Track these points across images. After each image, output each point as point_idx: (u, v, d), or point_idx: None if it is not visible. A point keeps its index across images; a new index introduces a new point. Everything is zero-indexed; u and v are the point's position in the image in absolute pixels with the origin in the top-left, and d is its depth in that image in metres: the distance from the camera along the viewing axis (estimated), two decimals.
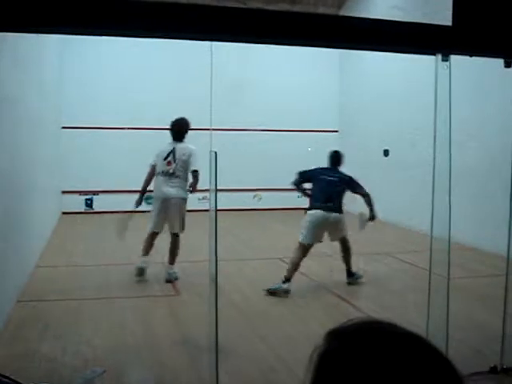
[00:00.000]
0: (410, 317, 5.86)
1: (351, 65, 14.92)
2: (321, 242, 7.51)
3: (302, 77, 15.26)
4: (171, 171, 7.76)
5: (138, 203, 8.18)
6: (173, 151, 7.83)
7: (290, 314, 6.33)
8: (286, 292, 6.94)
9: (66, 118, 13.81)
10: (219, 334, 4.10)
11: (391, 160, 12.94)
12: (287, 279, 7.02)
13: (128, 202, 14.03)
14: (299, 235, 7.37)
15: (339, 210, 7.46)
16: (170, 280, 7.65)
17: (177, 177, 7.76)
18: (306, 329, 5.60)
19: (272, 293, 6.92)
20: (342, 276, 7.71)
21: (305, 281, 7.77)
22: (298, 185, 7.67)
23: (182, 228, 7.90)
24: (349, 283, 7.60)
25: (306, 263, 8.17)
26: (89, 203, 14.51)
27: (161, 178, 7.84)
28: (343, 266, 7.63)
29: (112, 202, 14.12)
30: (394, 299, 6.84)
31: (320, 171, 7.69)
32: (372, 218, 7.62)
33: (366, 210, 7.64)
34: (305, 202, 7.76)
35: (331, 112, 15.75)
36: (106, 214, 13.74)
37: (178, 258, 7.97)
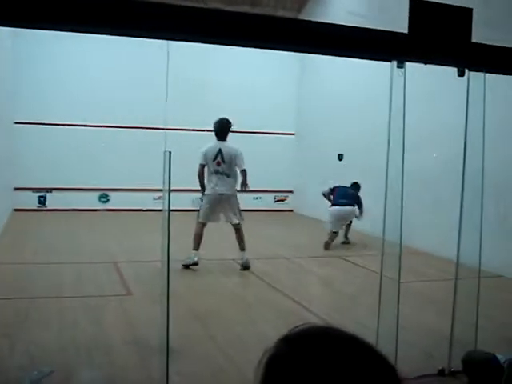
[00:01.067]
0: (361, 319, 5.94)
1: (310, 68, 15.03)
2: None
3: (261, 79, 15.32)
4: (221, 170, 8.33)
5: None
6: (220, 152, 8.35)
7: (242, 315, 6.33)
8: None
9: (20, 114, 13.57)
10: (170, 334, 4.08)
11: (345, 164, 13.07)
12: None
13: (82, 200, 14.02)
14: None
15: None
16: (246, 265, 8.26)
17: (227, 175, 8.37)
18: (256, 329, 5.61)
19: None
20: (295, 277, 7.75)
21: (257, 282, 7.80)
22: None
23: (241, 218, 8.52)
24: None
25: (254, 264, 8.22)
26: (42, 200, 14.28)
27: (213, 177, 8.38)
28: (292, 267, 7.67)
29: (66, 199, 13.97)
30: (346, 302, 6.91)
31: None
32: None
33: None
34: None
35: (289, 115, 15.83)
36: (59, 212, 13.56)
37: (130, 258, 7.91)
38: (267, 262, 8.75)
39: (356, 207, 10.69)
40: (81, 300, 6.66)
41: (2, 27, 5.57)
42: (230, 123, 8.57)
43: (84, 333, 5.47)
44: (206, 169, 8.46)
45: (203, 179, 8.50)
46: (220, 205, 8.45)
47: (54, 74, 13.91)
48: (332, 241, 10.28)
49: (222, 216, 8.54)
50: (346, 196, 10.64)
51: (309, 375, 0.96)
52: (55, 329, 5.54)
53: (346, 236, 10.93)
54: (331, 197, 10.88)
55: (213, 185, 8.39)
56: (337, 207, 10.50)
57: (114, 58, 14.14)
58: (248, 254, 8.39)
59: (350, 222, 10.79)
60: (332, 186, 10.95)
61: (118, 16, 3.42)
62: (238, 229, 8.44)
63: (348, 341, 1.03)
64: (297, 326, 1.06)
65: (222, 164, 8.33)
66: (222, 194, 8.39)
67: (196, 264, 8.20)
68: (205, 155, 8.42)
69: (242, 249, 8.42)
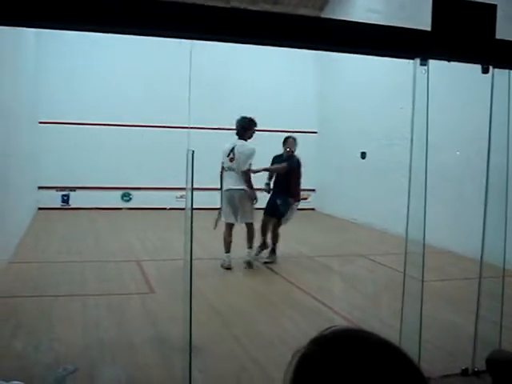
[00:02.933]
0: (384, 319, 5.91)
1: (331, 66, 14.96)
2: None
3: (282, 78, 15.30)
4: (232, 167, 8.28)
5: None
6: (233, 149, 8.33)
7: (264, 314, 6.33)
8: None
9: (44, 113, 13.69)
10: (193, 332, 4.09)
11: (368, 162, 13.02)
12: None
13: (105, 199, 14.11)
14: None
15: None
16: (249, 262, 8.27)
17: (237, 172, 8.24)
18: (278, 329, 5.62)
19: None
20: (317, 276, 7.74)
21: (279, 280, 7.80)
22: None
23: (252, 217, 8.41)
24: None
25: (279, 263, 8.22)
26: (65, 199, 14.40)
27: (225, 174, 8.37)
28: (317, 267, 7.66)
29: (89, 198, 14.09)
30: (369, 301, 6.88)
31: None
32: None
33: None
34: None
35: (311, 113, 15.78)
36: (82, 210, 13.67)
37: (154, 257, 7.94)
38: (290, 260, 8.74)
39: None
40: (104, 298, 6.70)
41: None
42: (248, 122, 8.49)
43: (107, 331, 5.51)
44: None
45: (221, 178, 8.47)
46: (232, 202, 8.32)
47: (77, 73, 14.01)
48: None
49: (234, 216, 8.37)
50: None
51: (338, 377, 0.97)
52: (79, 326, 5.59)
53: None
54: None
55: (225, 182, 8.38)
56: None
57: (137, 58, 14.19)
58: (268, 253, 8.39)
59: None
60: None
61: (141, 16, 3.44)
62: (248, 227, 8.40)
63: (379, 345, 1.04)
64: (327, 328, 1.07)
65: (233, 161, 8.28)
66: (231, 190, 8.29)
67: (229, 268, 8.19)
68: (223, 152, 8.42)
69: (249, 247, 8.37)
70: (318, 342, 1.04)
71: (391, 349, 1.04)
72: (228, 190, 8.29)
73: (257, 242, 8.61)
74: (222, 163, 8.42)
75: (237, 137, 8.47)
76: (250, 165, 8.27)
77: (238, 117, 8.61)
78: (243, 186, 8.23)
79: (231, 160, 8.28)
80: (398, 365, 1.01)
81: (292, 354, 1.04)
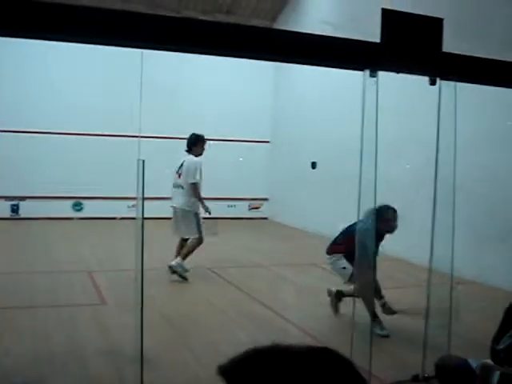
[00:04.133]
0: (335, 327, 5.97)
1: (285, 76, 15.09)
2: None
3: (236, 87, 15.34)
4: (178, 183, 8.32)
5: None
6: (182, 164, 8.33)
7: (216, 323, 6.32)
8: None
9: None
10: (145, 342, 4.07)
11: (319, 172, 13.14)
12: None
13: (56, 208, 13.88)
14: None
15: None
16: (172, 266, 8.06)
17: (182, 188, 8.25)
18: (231, 338, 5.61)
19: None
20: (270, 285, 7.76)
21: (232, 290, 7.80)
22: None
23: (195, 233, 8.23)
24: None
25: (230, 273, 8.23)
26: (15, 209, 14.12)
27: (172, 190, 8.39)
28: (270, 276, 7.69)
29: (39, 207, 13.84)
30: (321, 309, 6.93)
31: None
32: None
33: None
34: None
35: (264, 122, 15.86)
36: (32, 220, 13.42)
37: (104, 267, 7.86)
38: (242, 269, 8.75)
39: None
40: (54, 309, 6.60)
41: None
42: (194, 138, 8.47)
43: (58, 343, 5.42)
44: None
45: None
46: (175, 218, 8.38)
47: (27, 81, 13.79)
48: None
49: (177, 230, 8.44)
50: None
51: None
52: (28, 339, 5.49)
53: None
54: None
55: (172, 198, 8.41)
56: None
57: (88, 67, 14.06)
58: (224, 262, 8.38)
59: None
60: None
61: (92, 25, 3.42)
62: (186, 242, 8.34)
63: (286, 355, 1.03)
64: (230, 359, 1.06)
65: (181, 177, 8.30)
66: (175, 207, 8.36)
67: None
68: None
69: (183, 257, 8.18)
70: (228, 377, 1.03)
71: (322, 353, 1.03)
72: (173, 207, 8.36)
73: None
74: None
75: (187, 153, 8.43)
76: (199, 178, 8.20)
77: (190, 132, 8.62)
78: (188, 206, 8.21)
79: (179, 176, 8.31)
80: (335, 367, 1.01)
81: None
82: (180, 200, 8.24)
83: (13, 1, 3.24)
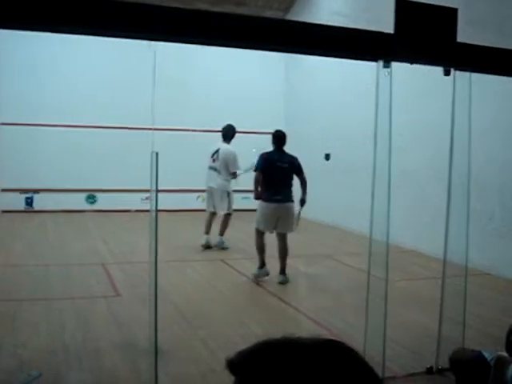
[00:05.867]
0: (348, 318, 5.96)
1: (297, 67, 15.03)
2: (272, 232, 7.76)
3: (248, 78, 15.30)
4: (214, 166, 9.65)
5: None
6: (217, 151, 9.65)
7: (230, 315, 6.33)
8: (267, 274, 7.61)
9: (5, 115, 13.47)
10: (159, 335, 4.08)
11: (333, 163, 13.11)
12: (262, 264, 7.64)
13: (69, 201, 13.95)
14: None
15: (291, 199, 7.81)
16: (222, 247, 9.58)
17: (218, 172, 9.56)
18: (245, 330, 5.61)
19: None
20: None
21: (246, 282, 7.80)
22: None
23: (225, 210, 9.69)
24: (280, 282, 7.57)
25: (244, 265, 8.25)
26: (29, 202, 14.19)
27: (207, 171, 9.75)
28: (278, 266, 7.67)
29: (53, 200, 13.90)
30: (333, 301, 6.92)
31: (273, 158, 7.77)
32: (303, 201, 7.91)
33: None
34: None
35: (276, 114, 15.80)
36: (46, 213, 13.49)
37: (119, 259, 7.90)
38: (255, 261, 8.73)
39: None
40: (69, 302, 6.63)
41: None
42: (232, 127, 9.85)
43: (72, 335, 5.44)
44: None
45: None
46: (210, 196, 9.73)
47: (39, 74, 13.82)
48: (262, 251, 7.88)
49: (211, 207, 9.75)
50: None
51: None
52: (43, 331, 5.52)
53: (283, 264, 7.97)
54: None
55: (207, 179, 9.73)
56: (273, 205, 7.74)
57: (100, 59, 14.08)
58: (237, 254, 8.45)
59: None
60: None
61: (103, 17, 3.42)
62: (224, 217, 9.66)
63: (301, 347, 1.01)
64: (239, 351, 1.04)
65: (216, 161, 9.57)
66: (210, 187, 9.68)
67: (208, 247, 9.59)
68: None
69: (221, 234, 9.66)
70: (236, 370, 1.02)
71: (335, 347, 1.02)
72: (209, 187, 9.69)
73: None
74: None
75: (222, 140, 9.73)
76: (238, 167, 9.53)
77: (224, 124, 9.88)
78: (221, 185, 9.53)
79: (214, 161, 9.61)
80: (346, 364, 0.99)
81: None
82: (216, 181, 9.52)
83: None
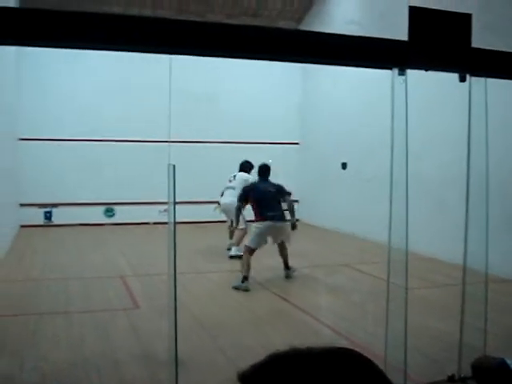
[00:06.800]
0: (368, 327, 5.93)
1: (313, 78, 15.05)
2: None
3: (263, 89, 15.35)
4: (232, 185, 10.43)
5: None
6: (235, 176, 10.61)
7: (249, 326, 6.32)
8: (246, 290, 7.77)
9: (24, 130, 13.62)
10: (179, 346, 4.08)
11: (349, 172, 13.09)
12: (245, 278, 7.85)
13: (88, 215, 14.04)
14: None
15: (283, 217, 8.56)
16: (232, 256, 9.86)
17: (234, 189, 10.16)
18: (265, 341, 5.60)
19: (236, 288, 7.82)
20: (303, 287, 7.75)
21: (264, 292, 7.79)
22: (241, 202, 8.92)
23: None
24: (286, 276, 8.59)
25: (264, 275, 8.23)
26: (48, 216, 14.30)
27: (226, 191, 10.59)
28: (302, 278, 7.66)
29: (72, 214, 14.00)
30: (353, 310, 6.90)
31: (259, 185, 8.85)
32: (294, 225, 8.66)
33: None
34: None
35: (293, 124, 15.85)
36: (65, 227, 13.58)
37: (138, 272, 7.92)
38: (274, 272, 8.72)
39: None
40: (89, 315, 6.67)
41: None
42: (249, 164, 10.52)
43: (93, 347, 5.47)
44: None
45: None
46: (228, 212, 10.29)
47: (57, 90, 13.97)
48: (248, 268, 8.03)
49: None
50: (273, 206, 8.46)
51: None
52: (64, 344, 5.55)
53: (286, 260, 8.69)
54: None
55: (223, 196, 10.55)
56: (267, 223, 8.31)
57: (117, 73, 14.19)
58: (254, 265, 8.42)
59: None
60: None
61: (120, 32, 3.45)
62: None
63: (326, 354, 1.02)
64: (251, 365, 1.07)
65: (232, 181, 10.49)
66: (225, 204, 10.35)
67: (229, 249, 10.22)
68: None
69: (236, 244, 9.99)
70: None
71: (347, 356, 1.02)
72: (224, 204, 10.40)
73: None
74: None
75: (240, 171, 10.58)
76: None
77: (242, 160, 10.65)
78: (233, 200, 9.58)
79: (230, 181, 10.55)
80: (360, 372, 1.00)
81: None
82: (232, 198, 9.79)
83: (46, 11, 3.29)
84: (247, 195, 8.75)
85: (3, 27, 3.17)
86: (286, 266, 8.61)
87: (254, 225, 8.42)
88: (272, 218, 8.25)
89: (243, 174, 10.51)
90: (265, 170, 8.90)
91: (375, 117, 8.91)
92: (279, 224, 8.36)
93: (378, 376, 1.00)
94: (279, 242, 8.52)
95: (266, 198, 8.46)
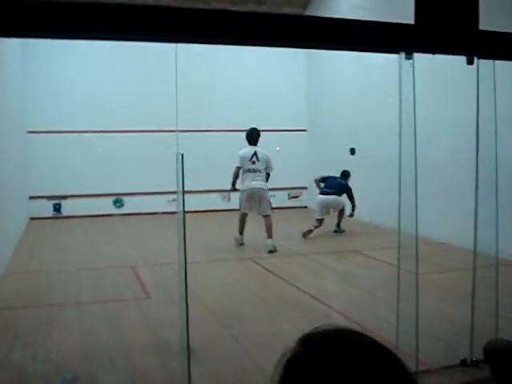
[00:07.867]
0: (380, 313, 5.93)
1: (318, 63, 14.98)
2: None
3: (270, 76, 15.30)
4: (257, 168, 9.90)
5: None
6: (255, 154, 9.91)
7: (261, 314, 6.33)
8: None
9: (32, 123, 13.64)
10: (191, 335, 4.09)
11: (358, 158, 13.04)
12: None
13: (97, 206, 14.07)
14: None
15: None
16: (272, 250, 9.36)
17: (261, 172, 9.89)
18: (277, 328, 5.61)
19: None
20: (313, 274, 7.75)
21: (275, 280, 7.80)
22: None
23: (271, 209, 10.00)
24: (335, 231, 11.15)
25: (274, 263, 8.24)
26: (57, 208, 14.35)
27: (248, 174, 9.87)
28: (312, 264, 7.66)
29: (81, 206, 14.04)
30: (364, 296, 6.90)
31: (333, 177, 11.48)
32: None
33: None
34: None
35: (299, 111, 15.80)
36: (74, 219, 13.63)
37: (148, 262, 7.94)
38: (284, 259, 8.74)
39: (342, 197, 11.26)
40: (100, 305, 6.70)
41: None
42: (258, 131, 10.15)
43: (105, 337, 5.50)
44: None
45: (235, 177, 9.95)
46: (252, 198, 9.81)
47: (64, 82, 13.96)
48: (315, 228, 10.84)
49: (255, 207, 9.84)
50: (333, 186, 11.23)
51: (325, 378, 0.96)
52: (76, 335, 5.58)
53: (338, 225, 11.37)
54: (321, 184, 11.51)
55: (248, 181, 9.82)
56: (322, 196, 11.18)
57: (123, 63, 14.15)
58: (264, 252, 8.44)
59: (341, 211, 11.27)
60: (325, 175, 11.62)
61: (124, 21, 3.43)
62: (266, 219, 9.73)
63: (366, 345, 1.03)
64: (317, 327, 1.06)
65: (256, 163, 9.86)
66: (252, 189, 9.78)
67: (242, 244, 9.88)
68: (241, 158, 9.88)
69: (269, 236, 9.50)
70: (307, 343, 1.03)
71: (382, 352, 1.02)
72: (251, 188, 9.79)
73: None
74: (240, 166, 9.86)
75: (249, 143, 10.03)
76: (273, 168, 10.01)
77: (248, 128, 10.26)
78: (264, 185, 9.88)
79: (253, 163, 9.87)
80: (388, 369, 1.00)
81: (280, 355, 1.04)
82: (261, 182, 9.85)
83: (50, 2, 3.27)
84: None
85: (8, 19, 3.16)
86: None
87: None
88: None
89: (263, 151, 10.04)
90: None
91: (383, 101, 8.84)
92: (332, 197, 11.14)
93: (400, 370, 1.01)
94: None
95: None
